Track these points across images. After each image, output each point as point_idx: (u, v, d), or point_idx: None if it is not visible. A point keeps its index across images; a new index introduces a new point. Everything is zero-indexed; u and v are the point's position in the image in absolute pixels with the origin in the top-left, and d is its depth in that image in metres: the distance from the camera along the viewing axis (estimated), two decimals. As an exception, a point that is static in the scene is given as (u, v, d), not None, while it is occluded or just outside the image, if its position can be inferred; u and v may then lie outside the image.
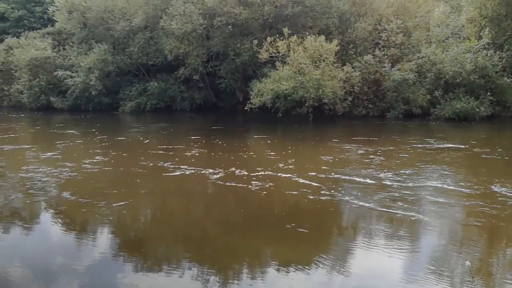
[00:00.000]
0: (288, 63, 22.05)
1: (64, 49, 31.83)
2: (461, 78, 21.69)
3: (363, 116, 23.33)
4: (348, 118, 23.10)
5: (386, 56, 23.84)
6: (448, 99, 21.89)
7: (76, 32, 31.61)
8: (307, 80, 21.39)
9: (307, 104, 22.34)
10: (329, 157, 12.61)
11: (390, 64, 23.33)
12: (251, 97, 23.07)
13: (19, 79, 33.32)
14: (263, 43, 22.78)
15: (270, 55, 22.64)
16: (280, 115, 22.50)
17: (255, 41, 24.07)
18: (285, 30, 22.15)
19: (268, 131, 20.24)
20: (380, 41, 24.68)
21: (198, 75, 27.91)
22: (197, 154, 13.80)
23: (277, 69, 22.36)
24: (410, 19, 25.49)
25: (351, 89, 23.11)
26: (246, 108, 23.18)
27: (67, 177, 10.51)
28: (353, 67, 23.32)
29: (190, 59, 27.09)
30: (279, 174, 10.20)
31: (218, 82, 28.34)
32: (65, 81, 29.49)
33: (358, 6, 26.83)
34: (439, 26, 25.84)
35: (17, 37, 36.61)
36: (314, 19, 25.33)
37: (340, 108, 23.33)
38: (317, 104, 22.62)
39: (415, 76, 22.89)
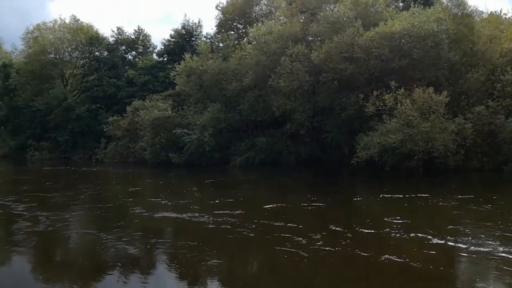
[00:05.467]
0: (395, 116, 21.87)
1: (182, 109, 34.90)
2: None
3: (478, 170, 22.06)
4: (461, 171, 21.98)
5: (500, 107, 22.64)
6: None
7: (193, 93, 34.68)
8: (415, 133, 21.01)
9: (416, 158, 21.70)
10: (442, 217, 12.10)
11: (505, 115, 22.08)
12: (357, 150, 23.08)
13: (143, 137, 36.73)
14: (369, 97, 22.96)
15: (377, 108, 22.67)
16: (388, 168, 22.03)
17: (361, 95, 24.31)
18: (392, 83, 22.17)
19: (377, 185, 19.91)
20: (495, 92, 23.55)
21: (304, 129, 28.60)
22: (308, 209, 14.04)
23: (384, 122, 22.25)
24: (527, 68, 24.11)
25: (464, 142, 22.13)
26: (352, 162, 23.17)
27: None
28: (465, 119, 22.45)
29: (296, 114, 28.04)
30: (392, 235, 9.80)
31: (324, 136, 28.72)
32: (182, 138, 32.06)
33: (469, 56, 26.01)
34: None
35: (142, 100, 40.60)
36: (422, 71, 24.88)
37: (452, 161, 22.29)
38: (427, 158, 21.88)
39: (534, 127, 21.34)
